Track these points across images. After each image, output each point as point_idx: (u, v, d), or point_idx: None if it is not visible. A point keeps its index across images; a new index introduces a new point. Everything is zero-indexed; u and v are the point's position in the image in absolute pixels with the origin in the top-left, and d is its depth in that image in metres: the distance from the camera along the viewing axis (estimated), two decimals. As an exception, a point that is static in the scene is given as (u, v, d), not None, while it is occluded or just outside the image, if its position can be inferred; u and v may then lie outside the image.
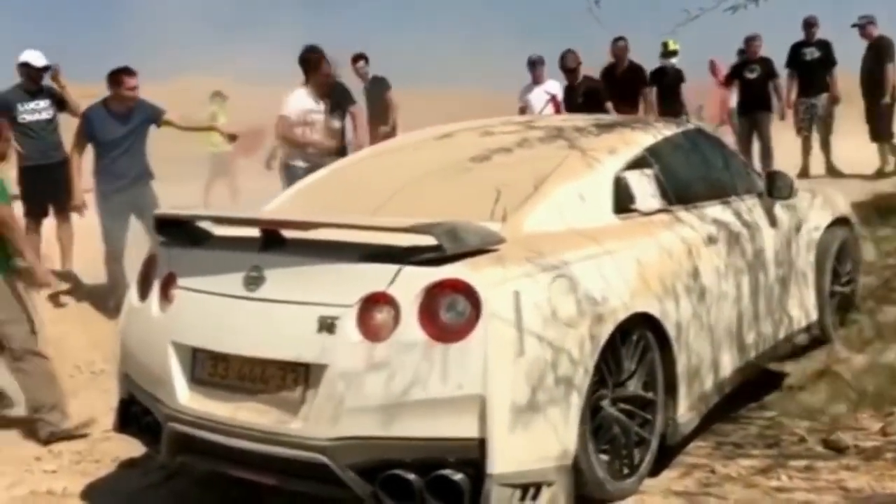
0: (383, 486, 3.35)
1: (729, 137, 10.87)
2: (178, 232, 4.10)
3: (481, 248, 3.49)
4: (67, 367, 6.17)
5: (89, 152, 7.30)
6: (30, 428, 5.25)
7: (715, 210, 4.68)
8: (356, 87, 9.97)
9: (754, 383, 4.88)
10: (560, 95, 10.30)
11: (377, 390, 3.35)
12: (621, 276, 3.81)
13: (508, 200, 3.91)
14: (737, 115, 11.79)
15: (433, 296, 3.37)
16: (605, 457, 3.75)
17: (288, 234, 3.78)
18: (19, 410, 5.46)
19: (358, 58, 11.46)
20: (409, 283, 3.39)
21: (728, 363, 4.49)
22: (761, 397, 4.93)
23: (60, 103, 7.86)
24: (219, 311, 3.73)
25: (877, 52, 11.21)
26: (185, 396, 3.78)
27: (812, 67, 11.44)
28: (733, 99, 12.07)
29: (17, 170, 7.90)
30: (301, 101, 7.72)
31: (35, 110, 7.71)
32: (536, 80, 10.62)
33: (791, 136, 11.77)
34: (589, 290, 3.62)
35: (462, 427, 3.31)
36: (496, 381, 3.31)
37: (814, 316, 5.39)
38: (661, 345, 3.98)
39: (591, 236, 3.88)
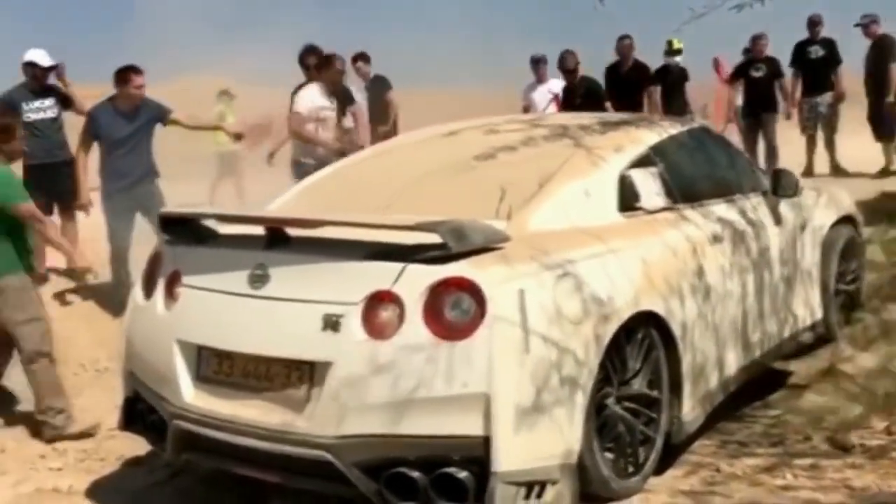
0: (388, 484, 3.36)
1: (735, 137, 10.86)
2: (183, 230, 4.10)
3: (486, 246, 3.49)
4: (72, 365, 6.18)
5: (95, 151, 7.31)
6: (35, 426, 5.26)
7: (720, 208, 4.67)
8: (356, 87, 9.95)
9: (759, 382, 4.88)
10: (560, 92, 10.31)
11: (382, 388, 3.35)
12: (626, 274, 3.81)
13: (513, 199, 3.91)
14: (742, 115, 11.76)
15: (438, 294, 3.37)
16: (609, 455, 3.75)
17: (293, 232, 3.78)
18: (25, 407, 5.46)
19: (358, 57, 11.45)
20: (414, 282, 3.39)
21: (733, 361, 4.49)
22: (766, 396, 4.93)
23: (65, 102, 7.86)
24: (224, 309, 3.74)
25: (880, 50, 11.18)
26: (190, 394, 3.79)
27: (817, 66, 11.42)
28: (740, 98, 12.04)
29: (22, 168, 7.90)
30: (313, 98, 7.76)
31: (40, 109, 7.71)
32: (540, 79, 10.63)
33: (795, 135, 11.75)
34: (594, 289, 3.62)
35: (467, 425, 3.31)
36: (501, 379, 3.32)
37: (819, 314, 5.38)
38: (666, 343, 3.98)
39: (596, 235, 3.87)
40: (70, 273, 7.42)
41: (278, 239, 3.76)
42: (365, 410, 3.37)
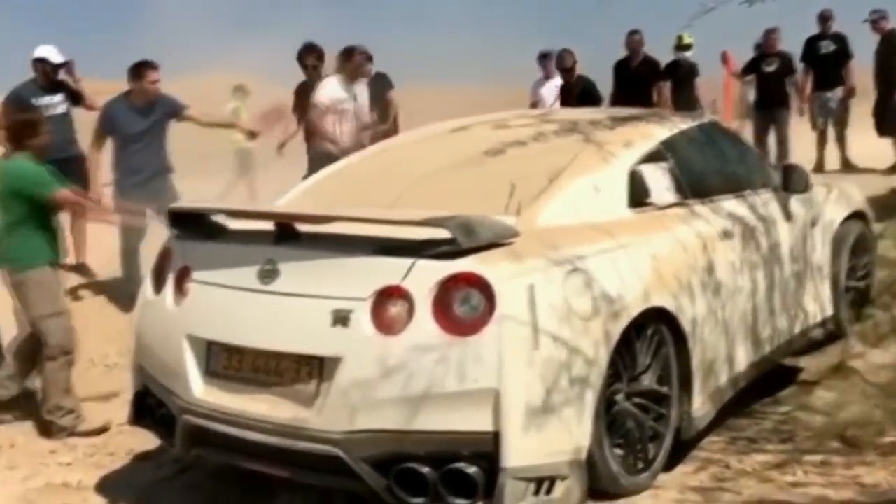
0: (397, 480, 3.36)
1: (750, 133, 10.84)
2: (193, 225, 4.10)
3: (495, 241, 3.48)
4: (82, 360, 6.18)
5: (109, 146, 7.31)
6: (45, 421, 5.26)
7: (730, 204, 4.65)
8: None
9: (769, 378, 4.86)
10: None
11: (391, 384, 3.35)
12: (636, 270, 3.80)
13: (523, 194, 3.90)
14: (753, 109, 11.70)
15: (447, 289, 3.36)
16: (619, 451, 3.74)
17: (302, 227, 3.78)
18: (35, 402, 5.47)
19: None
20: (424, 277, 3.39)
21: (743, 358, 4.47)
22: (776, 392, 4.91)
23: (75, 98, 7.87)
24: (233, 305, 3.74)
25: (889, 46, 11.12)
26: (199, 389, 3.79)
27: (827, 61, 11.36)
28: (752, 94, 11.98)
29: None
30: (333, 90, 7.78)
31: (49, 105, 7.71)
32: (548, 75, 10.60)
33: (806, 130, 11.70)
34: (604, 285, 3.61)
35: (476, 421, 3.31)
36: (510, 374, 3.31)
37: (829, 311, 5.36)
38: (675, 339, 3.97)
39: (605, 230, 3.86)
40: (79, 268, 7.45)
41: (288, 234, 3.76)
42: (374, 406, 3.37)
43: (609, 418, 3.68)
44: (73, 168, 7.52)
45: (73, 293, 7.08)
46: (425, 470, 3.33)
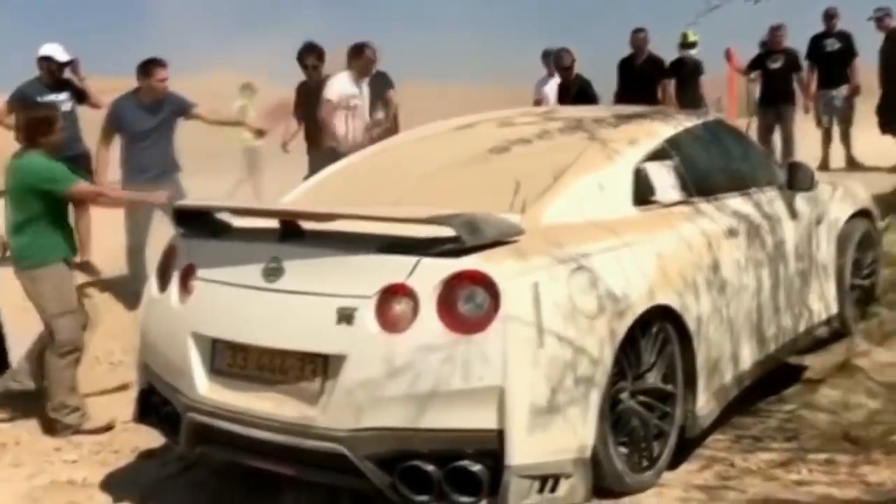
0: (402, 477, 3.36)
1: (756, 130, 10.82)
2: (198, 223, 4.11)
3: (500, 239, 3.48)
4: (87, 357, 6.19)
5: (117, 144, 7.32)
6: (50, 419, 5.27)
7: (735, 202, 4.65)
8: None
9: (774, 376, 4.86)
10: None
11: (396, 381, 3.35)
12: (641, 268, 3.80)
13: (528, 192, 3.89)
14: (758, 105, 11.67)
15: (452, 287, 3.36)
16: (624, 449, 3.74)
17: (307, 225, 3.78)
18: (40, 399, 5.47)
19: None
20: (428, 275, 3.38)
21: (748, 356, 4.47)
22: (781, 390, 4.90)
23: (79, 96, 7.88)
24: (238, 302, 3.74)
25: (893, 43, 11.10)
26: (204, 387, 3.80)
27: (833, 59, 11.33)
28: (758, 91, 11.94)
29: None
30: (343, 86, 7.78)
31: (55, 103, 7.71)
32: (551, 73, 10.58)
33: (811, 128, 11.68)
34: (608, 283, 3.61)
35: (481, 418, 3.31)
36: (515, 372, 3.31)
37: (834, 309, 5.36)
38: (680, 337, 3.96)
39: (610, 228, 3.86)
40: (84, 266, 7.46)
41: (292, 232, 3.77)
42: (379, 403, 3.37)
43: (614, 416, 3.68)
44: (78, 166, 7.52)
45: (79, 291, 7.08)
46: (430, 468, 3.33)
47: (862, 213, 5.77)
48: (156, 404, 4.13)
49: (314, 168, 7.64)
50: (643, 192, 4.20)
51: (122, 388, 5.54)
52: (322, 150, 7.85)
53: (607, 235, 3.80)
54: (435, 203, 3.70)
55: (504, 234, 3.51)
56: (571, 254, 3.58)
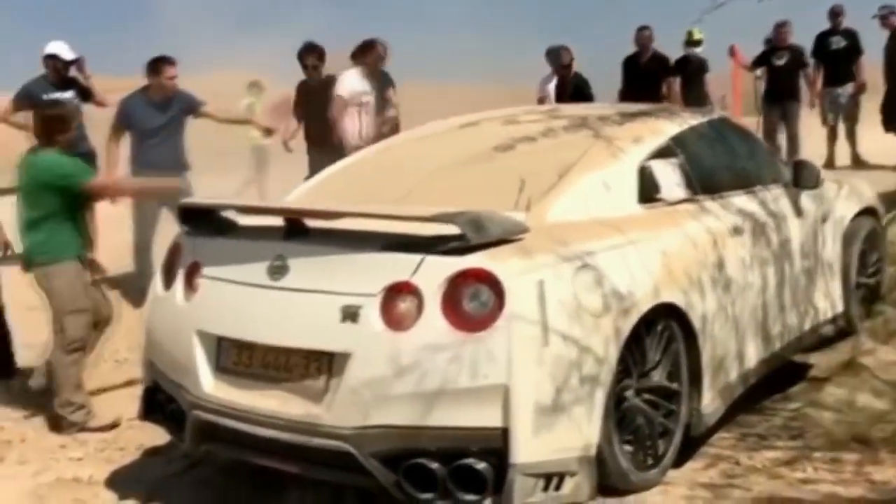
0: (407, 475, 3.36)
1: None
2: (203, 221, 4.11)
3: (505, 237, 3.48)
4: (91, 355, 6.20)
5: (125, 143, 7.33)
6: (55, 416, 5.28)
7: (740, 200, 4.64)
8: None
9: (779, 374, 4.85)
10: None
11: (400, 379, 3.35)
12: (646, 266, 3.79)
13: (532, 190, 3.89)
14: (763, 102, 11.65)
15: (456, 285, 3.36)
16: (628, 447, 3.74)
17: (311, 223, 3.78)
18: (46, 396, 5.48)
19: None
20: (433, 273, 3.38)
21: (753, 354, 4.46)
22: (786, 389, 4.90)
23: (85, 94, 7.89)
24: (243, 300, 3.75)
25: None
26: (209, 385, 3.80)
27: (838, 57, 11.31)
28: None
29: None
30: (354, 83, 7.79)
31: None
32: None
33: (816, 126, 11.66)
34: (613, 281, 3.60)
35: (485, 416, 3.31)
36: (520, 371, 3.31)
37: (839, 307, 5.35)
38: (686, 335, 3.96)
39: (615, 226, 3.86)
40: (90, 264, 7.45)
41: (297, 230, 3.77)
42: (383, 401, 3.37)
43: (619, 415, 3.67)
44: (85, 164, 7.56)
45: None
46: (434, 466, 3.33)
47: (867, 212, 5.76)
48: (161, 402, 4.13)
49: (314, 167, 7.65)
50: (648, 190, 4.20)
51: (128, 385, 5.54)
52: (323, 148, 7.85)
53: (612, 233, 3.80)
54: (439, 201, 3.69)
55: (509, 233, 3.50)
56: (576, 252, 3.57)
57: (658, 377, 3.86)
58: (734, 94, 14.50)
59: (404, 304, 3.41)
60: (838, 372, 4.97)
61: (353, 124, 7.83)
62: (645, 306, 3.71)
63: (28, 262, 5.24)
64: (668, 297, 3.84)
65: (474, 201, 3.61)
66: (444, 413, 3.33)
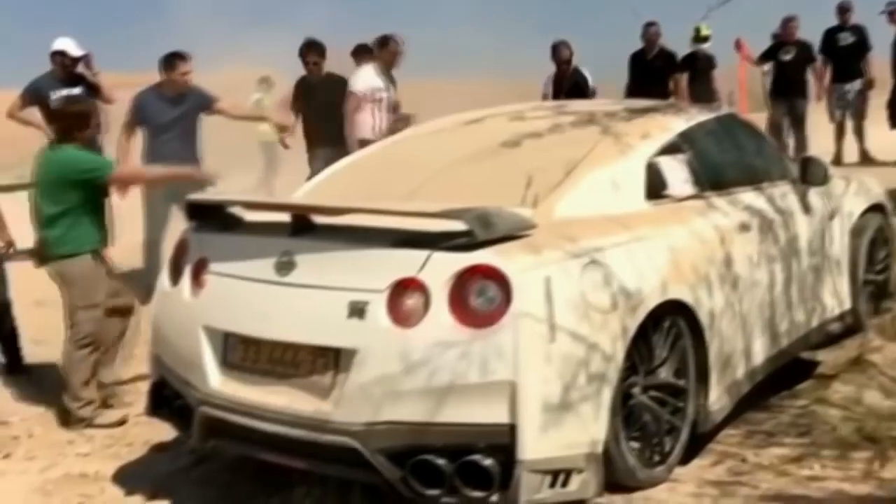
0: (413, 471, 3.36)
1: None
2: (210, 217, 4.11)
3: (512, 233, 3.47)
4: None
5: (138, 139, 7.34)
6: (63, 412, 5.29)
7: (748, 196, 4.63)
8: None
9: (787, 371, 4.84)
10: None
11: (407, 376, 3.35)
12: (653, 262, 3.79)
13: (540, 186, 3.89)
14: (769, 97, 11.61)
15: (464, 282, 3.36)
16: (635, 444, 3.74)
17: (318, 219, 3.78)
18: (53, 392, 5.49)
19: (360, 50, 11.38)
20: (440, 269, 3.38)
21: (760, 351, 4.45)
22: (794, 386, 4.89)
23: (92, 91, 7.90)
24: (250, 296, 3.75)
25: None
26: (216, 380, 3.81)
27: (846, 53, 11.28)
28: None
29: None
30: (369, 79, 7.79)
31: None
32: (561, 68, 10.58)
33: (824, 122, 11.63)
34: (621, 277, 3.60)
35: (492, 413, 3.31)
36: (527, 367, 3.31)
37: (847, 304, 5.34)
38: (693, 332, 3.95)
39: (623, 222, 3.85)
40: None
41: (304, 226, 3.77)
42: (390, 397, 3.37)
43: (626, 411, 3.67)
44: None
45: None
46: (441, 462, 3.33)
47: (875, 208, 5.74)
48: (168, 398, 4.14)
49: (314, 164, 7.65)
50: (656, 187, 4.19)
51: (135, 380, 5.55)
52: (322, 145, 7.85)
53: (620, 230, 3.79)
54: (447, 197, 3.70)
55: (516, 229, 3.50)
56: (584, 248, 3.57)
57: (665, 374, 3.86)
58: (740, 89, 14.47)
59: (411, 301, 3.41)
60: (846, 369, 4.96)
61: (366, 120, 7.82)
62: (652, 303, 3.70)
63: (45, 255, 5.24)
64: (675, 293, 3.84)
65: (481, 197, 3.60)
66: (450, 409, 3.33)
